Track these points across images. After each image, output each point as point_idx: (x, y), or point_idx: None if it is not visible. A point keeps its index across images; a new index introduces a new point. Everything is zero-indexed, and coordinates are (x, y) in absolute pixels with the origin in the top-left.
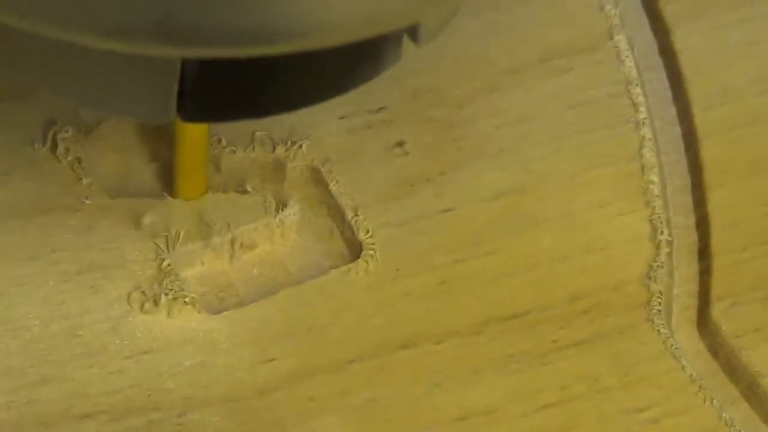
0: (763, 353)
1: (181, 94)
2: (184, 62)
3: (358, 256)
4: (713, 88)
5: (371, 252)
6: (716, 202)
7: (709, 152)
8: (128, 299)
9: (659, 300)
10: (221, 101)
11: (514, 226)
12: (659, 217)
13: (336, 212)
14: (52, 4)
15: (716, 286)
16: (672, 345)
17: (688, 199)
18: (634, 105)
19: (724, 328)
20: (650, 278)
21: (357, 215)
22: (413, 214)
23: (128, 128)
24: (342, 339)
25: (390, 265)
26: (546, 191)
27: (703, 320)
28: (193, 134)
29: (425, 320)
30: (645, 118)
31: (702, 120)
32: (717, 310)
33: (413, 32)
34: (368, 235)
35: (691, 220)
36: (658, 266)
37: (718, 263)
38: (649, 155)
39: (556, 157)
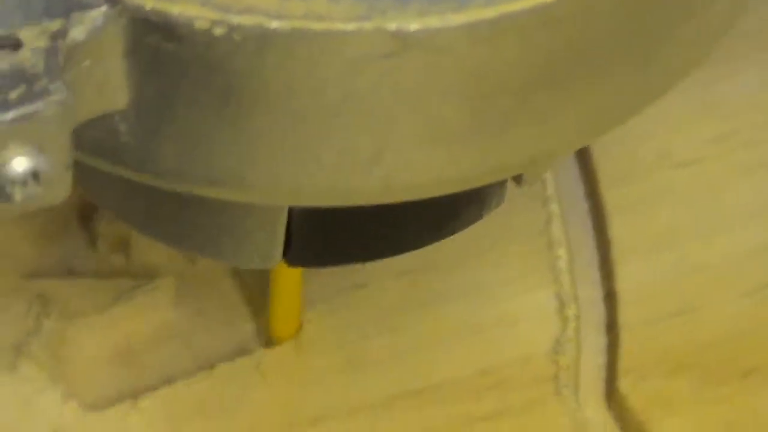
0: (670, 426)
1: (287, 239)
2: (291, 208)
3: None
4: (620, 164)
5: None
6: (623, 276)
7: (616, 227)
8: None
9: (567, 373)
10: (328, 246)
11: (423, 302)
12: (567, 291)
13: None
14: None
15: (623, 360)
16: (580, 418)
17: (595, 274)
18: (542, 181)
19: (631, 400)
20: (558, 352)
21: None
22: (323, 292)
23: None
24: (253, 417)
25: (300, 342)
26: (454, 267)
27: (611, 393)
28: (291, 275)
29: (335, 396)
30: (552, 194)
31: (609, 196)
32: (624, 383)
33: (517, 177)
34: None
35: (599, 295)
36: (565, 340)
37: (625, 337)
38: (556, 231)
39: (463, 234)
